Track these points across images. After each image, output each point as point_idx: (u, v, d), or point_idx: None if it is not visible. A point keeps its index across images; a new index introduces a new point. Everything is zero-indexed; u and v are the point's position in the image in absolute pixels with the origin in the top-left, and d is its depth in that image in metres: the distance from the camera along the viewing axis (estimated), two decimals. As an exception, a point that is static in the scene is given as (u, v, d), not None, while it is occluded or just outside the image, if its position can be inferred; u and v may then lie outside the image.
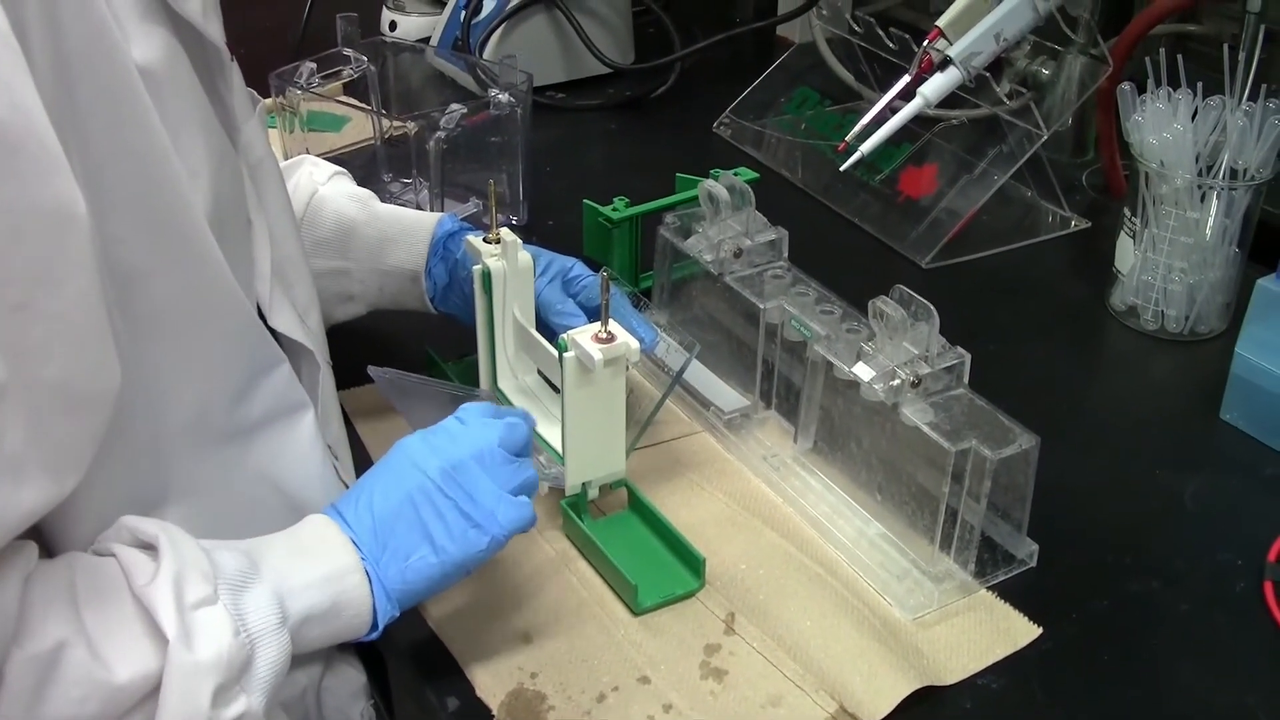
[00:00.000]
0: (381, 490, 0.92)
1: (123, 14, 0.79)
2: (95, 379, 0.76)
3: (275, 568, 0.86)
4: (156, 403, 0.85)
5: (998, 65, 1.56)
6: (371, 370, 1.13)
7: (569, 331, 1.03)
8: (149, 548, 0.82)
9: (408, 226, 1.24)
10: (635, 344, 1.03)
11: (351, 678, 1.07)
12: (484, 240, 1.15)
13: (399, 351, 1.28)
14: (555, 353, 1.05)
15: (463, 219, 1.52)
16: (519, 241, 1.14)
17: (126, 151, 0.79)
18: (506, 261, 1.14)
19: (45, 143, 0.70)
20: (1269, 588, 1.06)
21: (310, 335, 1.02)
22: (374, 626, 0.90)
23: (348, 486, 1.05)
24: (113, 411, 0.77)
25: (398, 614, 0.91)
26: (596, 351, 1.01)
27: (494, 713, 0.94)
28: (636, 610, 1.03)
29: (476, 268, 1.15)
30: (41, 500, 0.73)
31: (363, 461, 1.17)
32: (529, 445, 1.00)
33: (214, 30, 0.89)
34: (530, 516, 0.95)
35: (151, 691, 0.77)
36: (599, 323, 1.03)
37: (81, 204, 0.72)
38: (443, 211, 1.48)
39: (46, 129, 0.70)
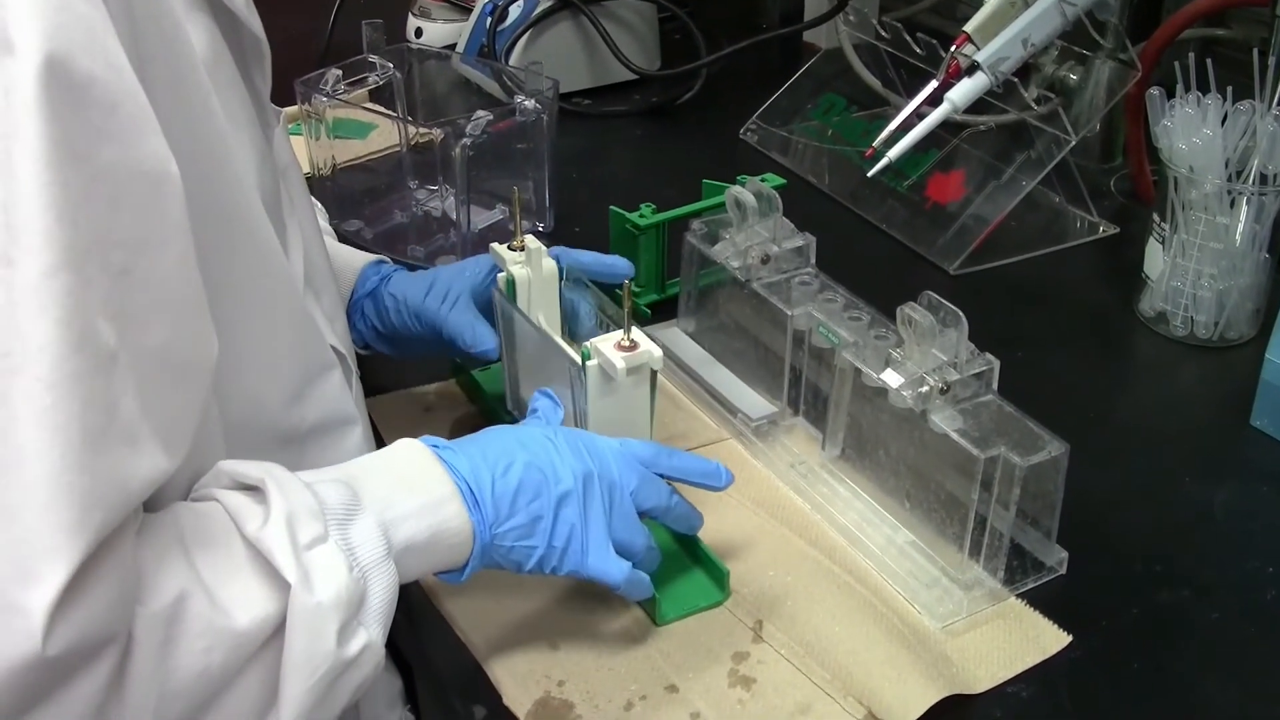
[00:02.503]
0: (522, 465, 0.92)
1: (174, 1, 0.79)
2: (196, 347, 0.76)
3: (376, 497, 0.85)
4: (219, 390, 0.84)
5: (1025, 70, 1.55)
6: None
7: (592, 340, 1.03)
8: (251, 489, 0.81)
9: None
10: (658, 352, 1.03)
11: (388, 683, 1.07)
12: (509, 248, 1.15)
13: (424, 358, 1.28)
14: (579, 360, 1.04)
15: (485, 227, 1.53)
16: (543, 248, 1.14)
17: (190, 132, 0.79)
18: (531, 269, 1.14)
19: (139, 101, 0.70)
20: (1301, 596, 1.06)
21: (341, 342, 1.02)
22: (461, 570, 0.90)
23: None
24: (211, 383, 0.77)
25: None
26: (619, 360, 1.01)
27: (521, 720, 0.95)
28: (659, 622, 1.02)
29: (501, 275, 1.15)
30: (157, 471, 0.72)
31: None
32: (666, 514, 1.01)
33: (254, 20, 0.90)
34: (617, 581, 0.95)
35: (273, 635, 0.76)
36: (621, 330, 1.03)
37: (173, 164, 0.72)
38: (467, 219, 1.48)
39: (138, 88, 0.70)
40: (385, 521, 0.84)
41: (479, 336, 1.14)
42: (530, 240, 1.14)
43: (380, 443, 1.18)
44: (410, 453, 0.91)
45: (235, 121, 0.86)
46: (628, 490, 0.96)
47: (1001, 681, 0.98)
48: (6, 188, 0.65)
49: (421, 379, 1.30)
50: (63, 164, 0.66)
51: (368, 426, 1.08)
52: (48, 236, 0.66)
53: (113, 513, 0.68)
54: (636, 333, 1.03)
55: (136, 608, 0.71)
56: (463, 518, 0.88)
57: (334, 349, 0.99)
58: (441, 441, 0.93)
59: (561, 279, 1.16)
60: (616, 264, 1.20)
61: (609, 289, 1.15)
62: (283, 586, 0.77)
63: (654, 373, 1.07)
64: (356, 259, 1.23)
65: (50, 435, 0.66)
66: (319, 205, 1.36)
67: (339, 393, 0.97)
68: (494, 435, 0.95)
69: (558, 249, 1.17)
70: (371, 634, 0.81)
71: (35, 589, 0.65)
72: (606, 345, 1.03)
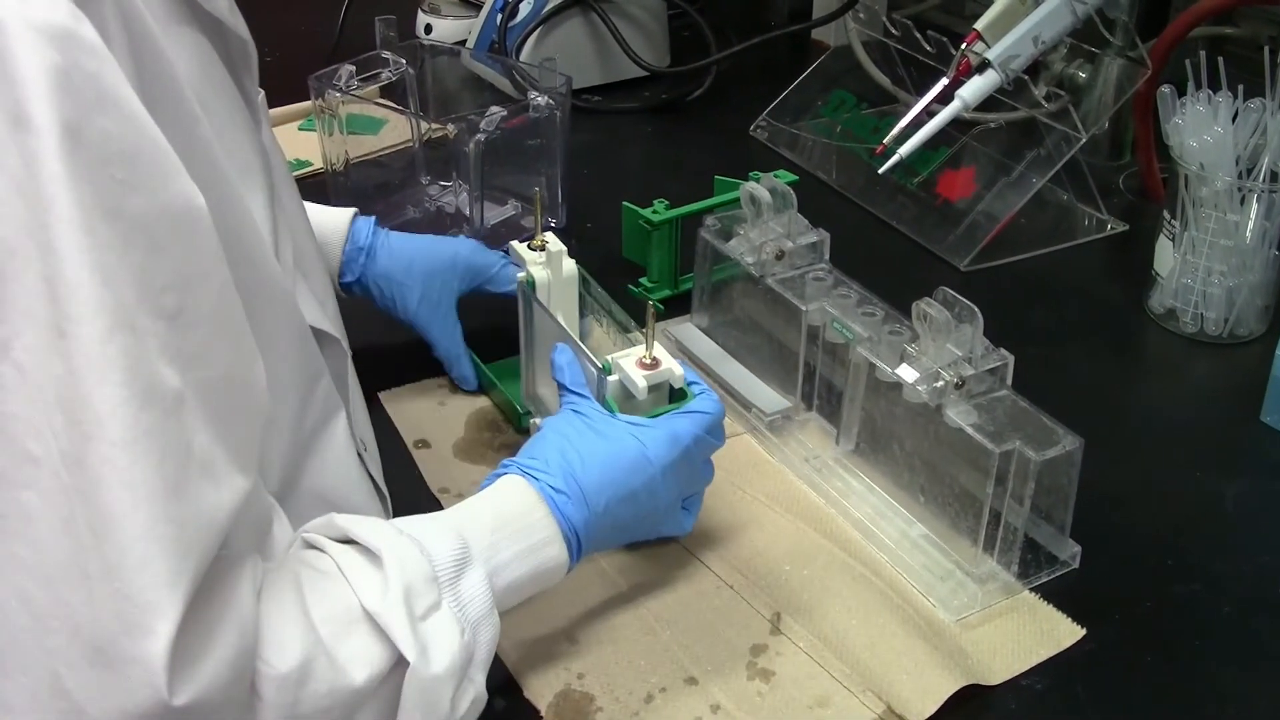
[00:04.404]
0: (620, 499, 0.96)
1: (158, 20, 0.78)
2: (251, 368, 0.77)
3: (484, 545, 0.88)
4: None
5: (1034, 68, 1.56)
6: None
7: (613, 355, 1.03)
8: (362, 548, 0.83)
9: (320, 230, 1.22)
10: (680, 370, 1.03)
11: None
12: (529, 247, 1.15)
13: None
14: (597, 370, 1.04)
15: (498, 222, 1.54)
16: (564, 249, 1.14)
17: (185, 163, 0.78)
18: (551, 270, 1.14)
19: (159, 144, 0.70)
20: (1312, 590, 1.07)
21: (334, 323, 1.02)
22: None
23: (374, 479, 1.05)
24: (268, 397, 0.79)
25: None
26: (641, 378, 1.01)
27: (542, 714, 0.95)
28: None
29: (521, 275, 1.15)
30: (238, 496, 0.73)
31: (402, 460, 1.18)
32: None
33: (239, 23, 0.89)
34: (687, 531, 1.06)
35: (380, 685, 0.79)
36: (643, 346, 1.03)
37: (200, 197, 0.72)
38: (480, 214, 1.49)
39: (154, 129, 0.70)
40: (491, 569, 0.88)
41: (464, 374, 1.26)
42: (552, 242, 1.14)
43: (385, 429, 1.19)
44: (518, 495, 0.94)
45: (231, 131, 0.86)
46: (699, 462, 1.03)
47: (1016, 674, 0.99)
48: (47, 261, 0.66)
49: (436, 370, 1.31)
50: (96, 226, 0.66)
51: (363, 404, 1.08)
52: (96, 302, 0.66)
53: (206, 552, 0.70)
54: (658, 349, 1.03)
55: (261, 665, 0.74)
56: (563, 555, 0.93)
57: (327, 333, 0.99)
58: (540, 470, 0.95)
59: (585, 285, 1.17)
60: None
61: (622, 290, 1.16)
62: (393, 645, 0.79)
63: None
64: (340, 215, 1.26)
65: (133, 494, 0.67)
66: None
67: (327, 393, 0.98)
68: (600, 464, 0.96)
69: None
70: (478, 685, 0.84)
71: (146, 641, 0.67)
72: (628, 362, 1.02)
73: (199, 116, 0.79)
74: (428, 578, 0.82)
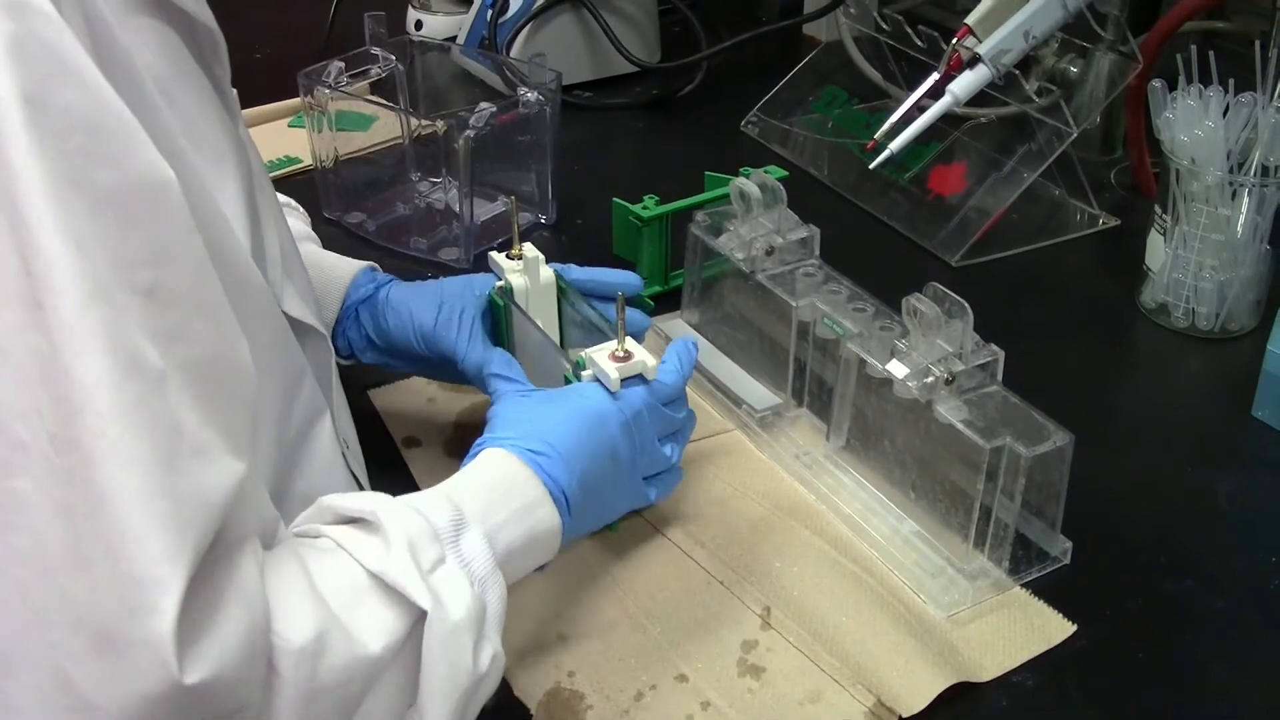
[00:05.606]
0: (592, 457, 0.97)
1: (115, 10, 0.76)
2: (235, 349, 0.75)
3: (476, 510, 0.88)
4: None
5: (1026, 63, 1.55)
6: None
7: (587, 350, 1.03)
8: (356, 521, 0.83)
9: (322, 280, 1.20)
10: (652, 361, 1.03)
11: None
12: (507, 256, 1.15)
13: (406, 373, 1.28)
14: (571, 366, 1.04)
15: (488, 219, 1.54)
16: (540, 256, 1.14)
17: None
18: (529, 278, 1.14)
19: (122, 116, 0.69)
20: (1304, 585, 1.06)
21: (317, 319, 1.01)
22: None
23: (356, 477, 1.05)
24: (255, 379, 0.78)
25: None
26: (613, 370, 1.01)
27: (532, 712, 0.95)
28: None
29: (499, 283, 1.15)
30: (233, 479, 0.71)
31: (392, 458, 1.18)
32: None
33: (205, 13, 0.87)
34: (652, 502, 1.06)
35: (397, 654, 0.78)
36: (614, 341, 1.03)
37: (169, 170, 0.71)
38: (470, 211, 1.48)
39: (118, 102, 0.69)
40: (488, 531, 0.87)
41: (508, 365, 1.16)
42: (528, 249, 1.14)
43: (374, 427, 1.20)
44: (498, 462, 0.94)
45: (203, 121, 0.85)
46: (654, 439, 1.03)
47: (1007, 670, 0.99)
48: (18, 233, 0.64)
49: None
50: (65, 196, 0.65)
51: (344, 401, 1.07)
52: (73, 272, 0.65)
53: (204, 530, 0.69)
54: (631, 342, 1.03)
55: (276, 641, 0.72)
56: (555, 517, 0.93)
57: (309, 328, 0.98)
58: (514, 438, 0.95)
59: (562, 293, 1.16)
60: (619, 280, 1.20)
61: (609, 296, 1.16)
62: (406, 609, 0.78)
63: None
64: (346, 265, 1.22)
65: (126, 468, 0.65)
66: (300, 209, 1.35)
67: (311, 394, 0.97)
68: (563, 423, 0.97)
69: (558, 266, 1.17)
70: (495, 644, 0.83)
71: (152, 620, 0.65)
72: (601, 356, 1.02)
73: (159, 106, 0.78)
74: (429, 534, 0.82)
